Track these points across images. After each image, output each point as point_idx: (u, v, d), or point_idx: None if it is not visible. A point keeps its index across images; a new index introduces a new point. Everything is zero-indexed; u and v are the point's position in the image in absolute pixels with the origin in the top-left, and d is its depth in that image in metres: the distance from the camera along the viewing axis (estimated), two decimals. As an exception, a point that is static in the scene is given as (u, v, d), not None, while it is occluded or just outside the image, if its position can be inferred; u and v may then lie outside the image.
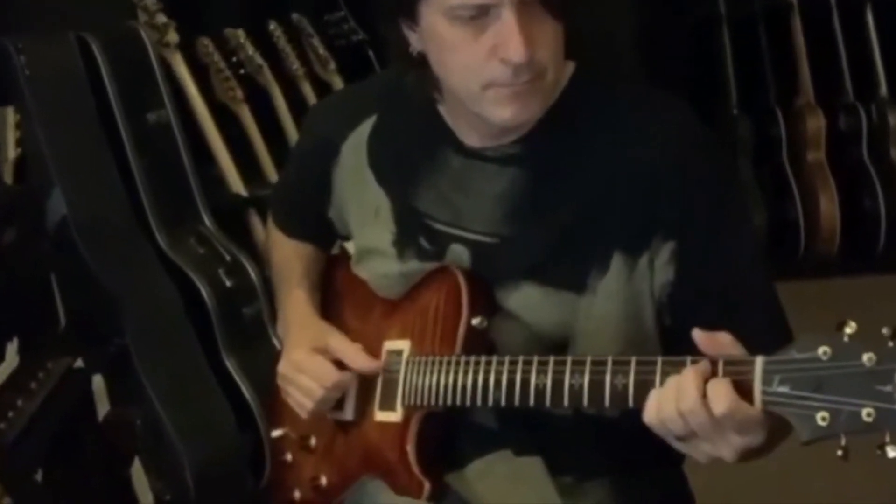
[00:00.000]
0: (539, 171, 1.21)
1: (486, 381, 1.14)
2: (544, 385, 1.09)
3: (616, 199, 1.17)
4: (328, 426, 1.35)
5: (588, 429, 1.23)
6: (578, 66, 1.24)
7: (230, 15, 2.97)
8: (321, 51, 3.10)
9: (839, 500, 2.39)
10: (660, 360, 1.04)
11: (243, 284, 2.40)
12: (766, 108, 3.92)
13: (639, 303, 1.19)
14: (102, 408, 2.11)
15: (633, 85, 1.27)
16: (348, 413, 1.31)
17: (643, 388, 1.03)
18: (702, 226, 1.16)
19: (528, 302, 1.20)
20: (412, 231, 1.28)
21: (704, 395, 0.98)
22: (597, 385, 1.06)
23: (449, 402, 1.18)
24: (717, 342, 1.02)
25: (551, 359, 1.10)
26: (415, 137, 1.29)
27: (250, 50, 2.88)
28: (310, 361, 1.31)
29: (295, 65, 2.99)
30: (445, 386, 1.18)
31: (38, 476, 1.80)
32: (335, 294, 1.44)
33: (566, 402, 1.08)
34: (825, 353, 0.93)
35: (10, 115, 2.25)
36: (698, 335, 1.02)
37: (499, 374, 1.13)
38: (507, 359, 1.13)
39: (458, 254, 1.25)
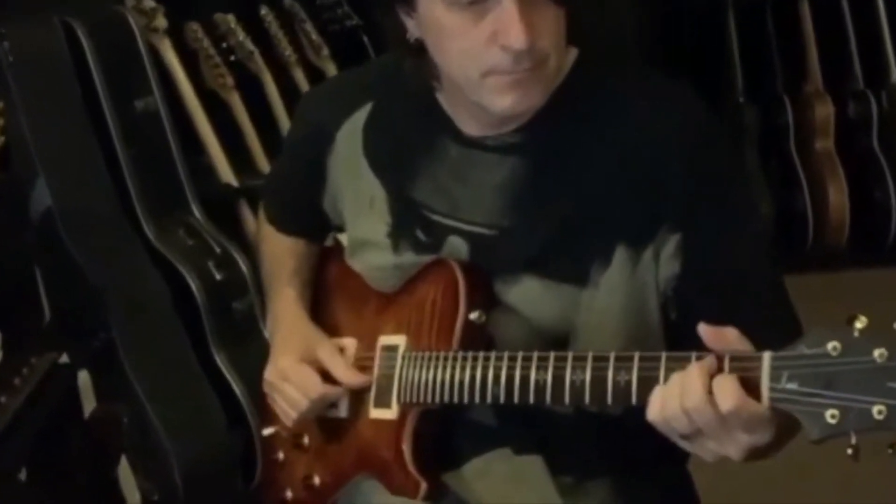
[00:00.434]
0: (540, 161, 1.19)
1: (484, 377, 1.13)
2: (544, 381, 1.08)
3: (620, 189, 1.15)
4: (321, 424, 1.34)
5: (589, 426, 1.21)
6: (581, 52, 1.22)
7: (220, -1, 2.95)
8: (314, 36, 3.08)
9: (849, 500, 2.37)
10: (664, 355, 1.02)
11: (234, 277, 2.40)
12: (774, 95, 3.87)
13: (643, 297, 1.17)
14: (88, 404, 2.11)
15: (637, 71, 1.25)
16: (342, 410, 1.30)
17: (647, 384, 1.02)
18: (708, 217, 1.15)
19: (528, 295, 1.19)
20: (408, 222, 1.27)
21: (710, 392, 0.97)
22: (599, 381, 1.05)
23: (446, 398, 1.17)
24: (723, 337, 1.00)
25: (552, 354, 1.09)
26: (412, 126, 1.28)
27: (241, 35, 2.85)
28: (296, 371, 1.31)
29: (287, 51, 2.97)
30: (442, 382, 1.17)
31: (23, 475, 1.79)
32: (328, 287, 1.42)
33: (567, 399, 1.07)
34: (835, 348, 0.92)
35: (-7, 102, 2.23)
36: (704, 330, 1.00)
37: (497, 369, 1.12)
38: (506, 354, 1.12)
39: (456, 246, 1.24)
